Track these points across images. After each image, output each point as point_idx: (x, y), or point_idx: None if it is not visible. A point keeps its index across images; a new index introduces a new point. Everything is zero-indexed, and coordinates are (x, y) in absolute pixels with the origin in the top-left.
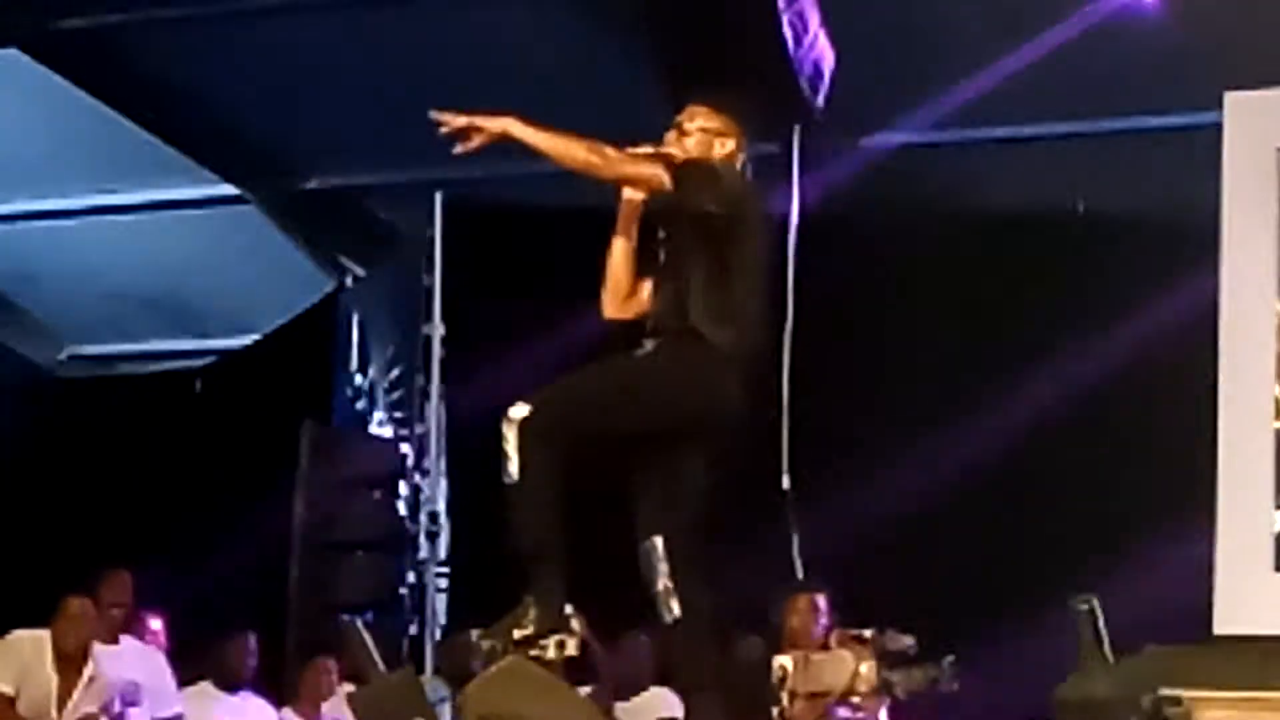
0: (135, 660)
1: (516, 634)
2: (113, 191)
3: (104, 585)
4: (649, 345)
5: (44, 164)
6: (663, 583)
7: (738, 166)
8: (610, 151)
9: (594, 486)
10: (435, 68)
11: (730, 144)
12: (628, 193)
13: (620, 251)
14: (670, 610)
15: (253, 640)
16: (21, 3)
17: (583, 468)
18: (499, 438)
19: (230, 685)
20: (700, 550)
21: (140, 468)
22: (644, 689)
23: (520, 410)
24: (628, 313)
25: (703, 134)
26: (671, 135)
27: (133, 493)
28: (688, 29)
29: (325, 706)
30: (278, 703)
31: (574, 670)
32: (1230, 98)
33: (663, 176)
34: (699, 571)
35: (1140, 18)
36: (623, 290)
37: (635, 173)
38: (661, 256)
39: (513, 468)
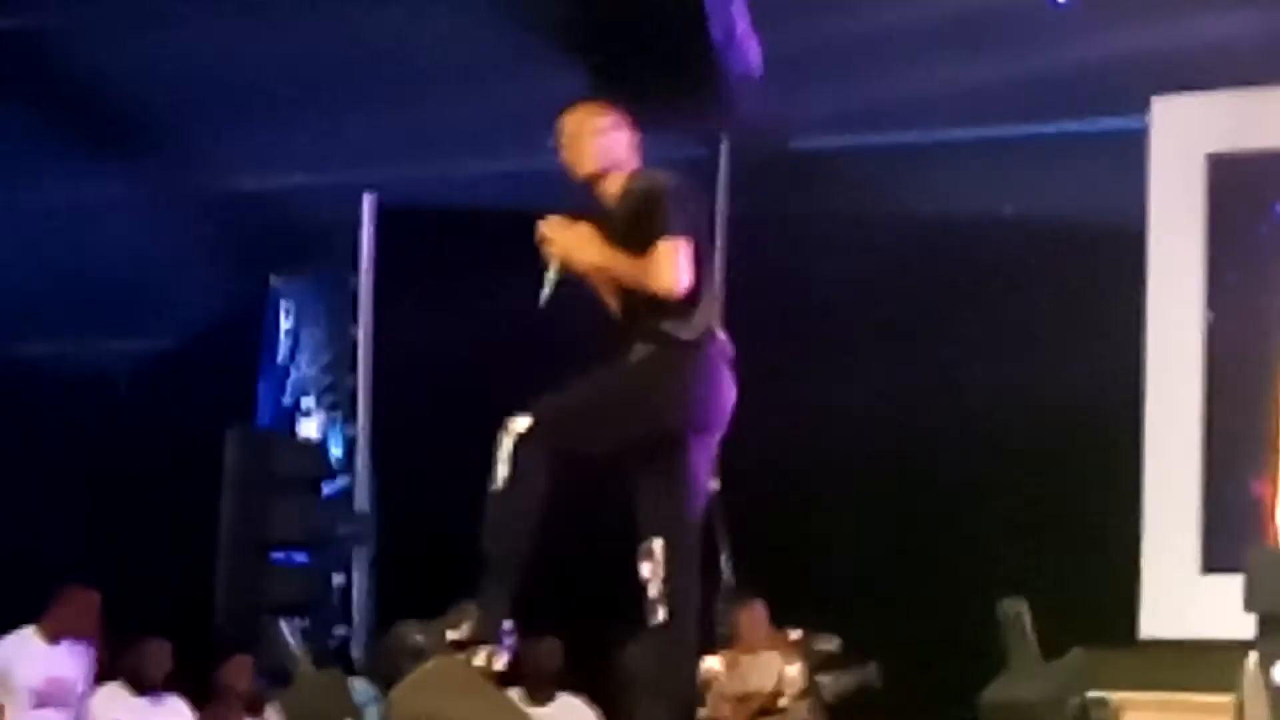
0: None
1: (450, 635)
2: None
3: None
4: (640, 351)
5: None
6: (656, 586)
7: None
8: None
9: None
10: (365, 68)
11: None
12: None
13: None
14: (657, 614)
15: (167, 646)
16: None
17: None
18: (427, 439)
19: (143, 688)
20: (693, 555)
21: (65, 469)
22: (555, 695)
23: (522, 422)
24: None
25: (606, 134)
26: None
27: (58, 494)
28: (616, 30)
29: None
30: (197, 704)
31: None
32: (1158, 102)
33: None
34: (690, 577)
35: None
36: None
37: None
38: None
39: (502, 475)
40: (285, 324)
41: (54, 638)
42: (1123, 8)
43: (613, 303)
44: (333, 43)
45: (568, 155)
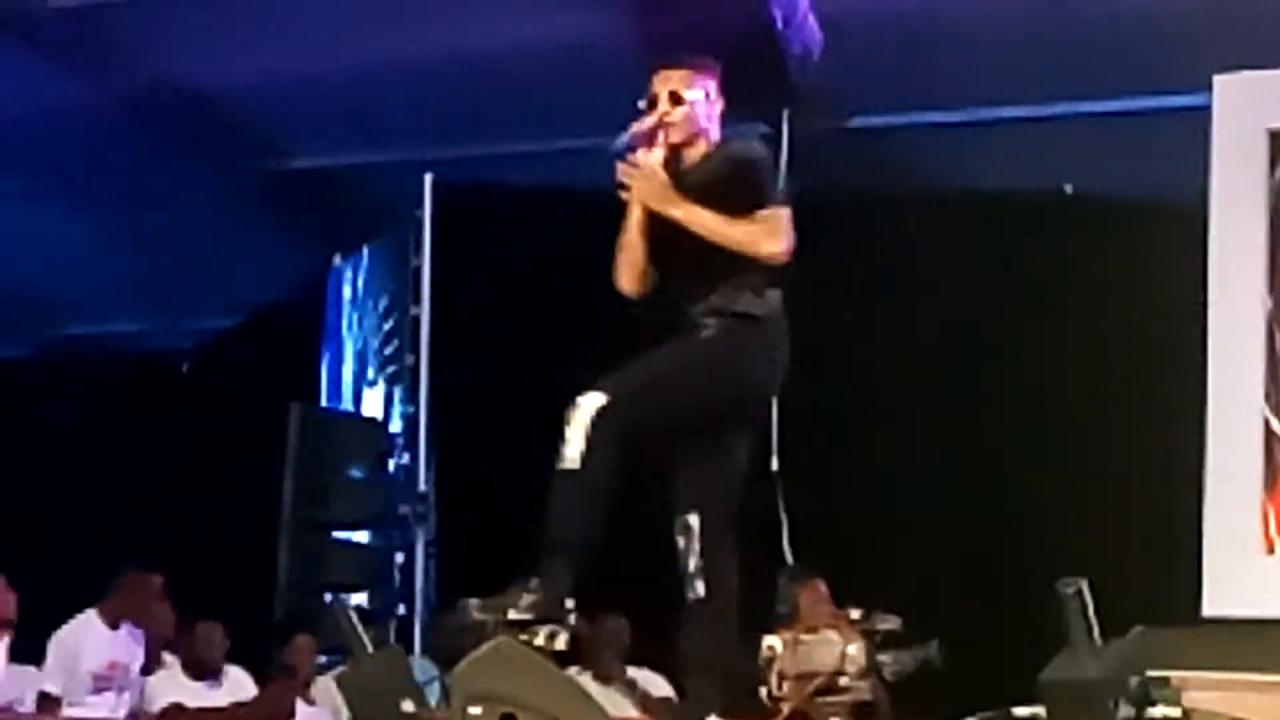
0: None
1: (511, 614)
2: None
3: None
4: (714, 327)
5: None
6: (694, 561)
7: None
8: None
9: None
10: (425, 48)
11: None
12: (639, 169)
13: (639, 228)
14: (695, 589)
15: (218, 628)
16: None
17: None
18: (488, 418)
19: (200, 672)
20: (732, 531)
21: (128, 450)
22: (624, 673)
23: (596, 399)
24: (644, 288)
25: (697, 100)
26: (665, 106)
27: (120, 475)
28: (675, 10)
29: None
30: (260, 682)
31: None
32: (1220, 80)
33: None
34: (729, 552)
35: None
36: (640, 267)
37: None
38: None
39: (573, 454)
40: (347, 300)
41: (114, 622)
42: None
43: (664, 273)
44: (393, 20)
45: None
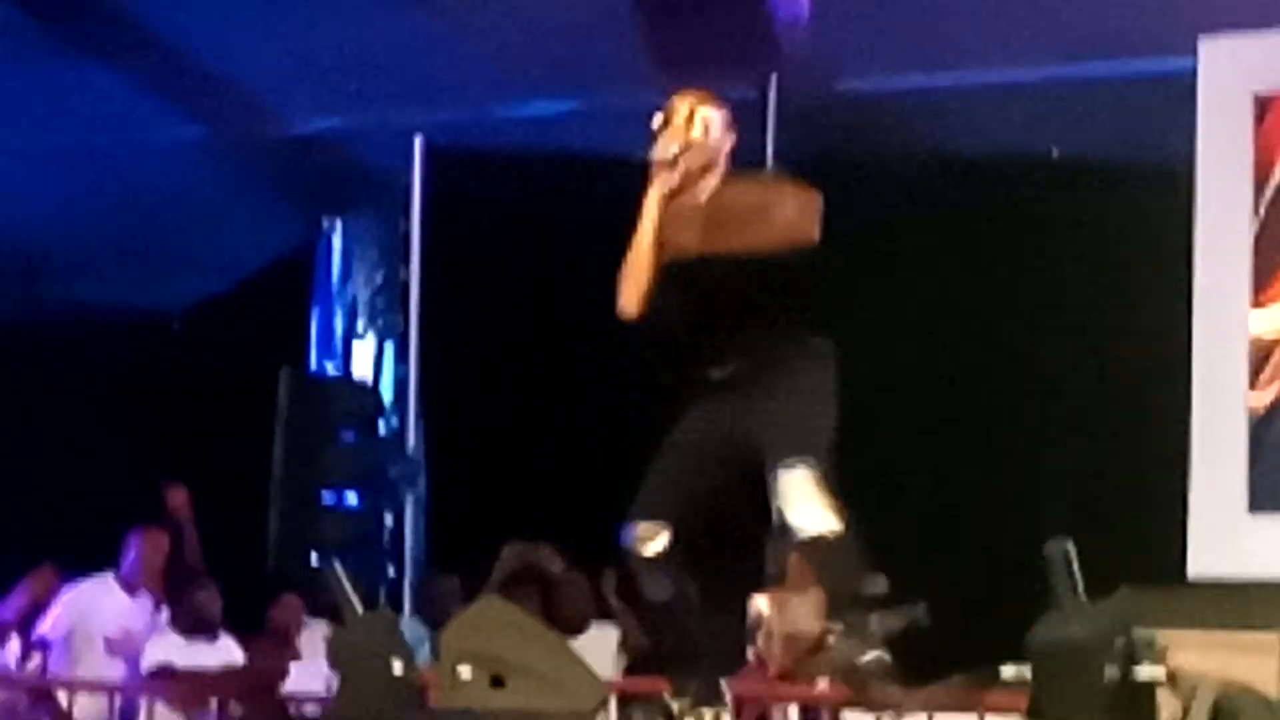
0: None
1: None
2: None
3: None
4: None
5: None
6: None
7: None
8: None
9: None
10: (415, 11)
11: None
12: (658, 193)
13: (651, 250)
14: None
15: (213, 586)
16: None
17: None
18: (477, 381)
19: (196, 631)
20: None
21: (119, 407)
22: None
23: (809, 469)
24: (645, 311)
25: (719, 132)
26: (680, 124)
27: (112, 433)
28: None
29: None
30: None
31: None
32: (1205, 43)
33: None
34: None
35: None
36: (645, 289)
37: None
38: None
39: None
40: (337, 261)
41: (132, 589)
42: None
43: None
44: None
45: (672, 139)
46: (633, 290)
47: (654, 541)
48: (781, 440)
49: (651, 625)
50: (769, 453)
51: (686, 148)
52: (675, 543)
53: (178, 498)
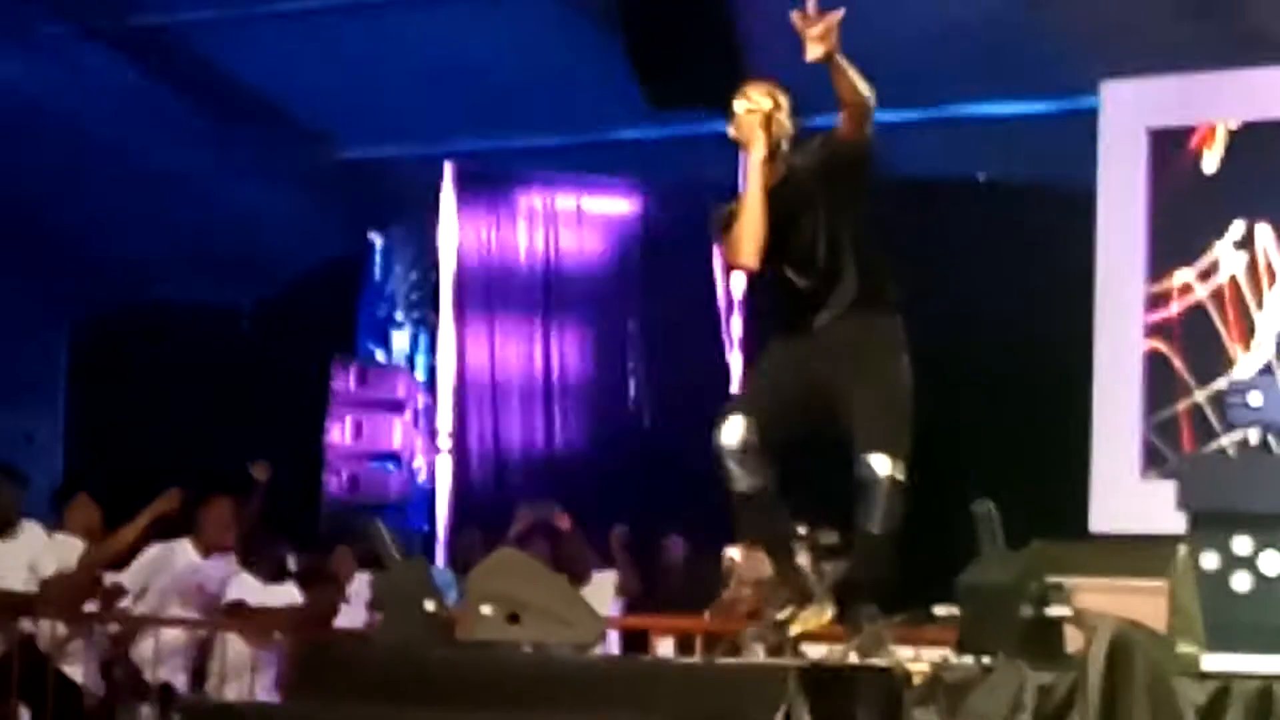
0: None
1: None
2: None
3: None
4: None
5: None
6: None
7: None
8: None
9: None
10: (453, 61)
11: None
12: (758, 155)
13: (761, 205)
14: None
15: (284, 541)
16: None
17: None
18: (499, 365)
19: (267, 578)
20: None
21: (197, 392)
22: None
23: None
24: (761, 262)
25: (787, 117)
26: (760, 113)
27: (191, 414)
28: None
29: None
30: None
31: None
32: (1106, 85)
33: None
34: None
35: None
36: (762, 238)
37: None
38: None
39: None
40: (379, 263)
41: (207, 550)
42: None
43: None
44: (420, 38)
45: (751, 124)
46: (752, 245)
47: (731, 431)
48: (871, 431)
49: (736, 514)
50: (857, 439)
51: (770, 119)
52: (761, 439)
53: (262, 471)
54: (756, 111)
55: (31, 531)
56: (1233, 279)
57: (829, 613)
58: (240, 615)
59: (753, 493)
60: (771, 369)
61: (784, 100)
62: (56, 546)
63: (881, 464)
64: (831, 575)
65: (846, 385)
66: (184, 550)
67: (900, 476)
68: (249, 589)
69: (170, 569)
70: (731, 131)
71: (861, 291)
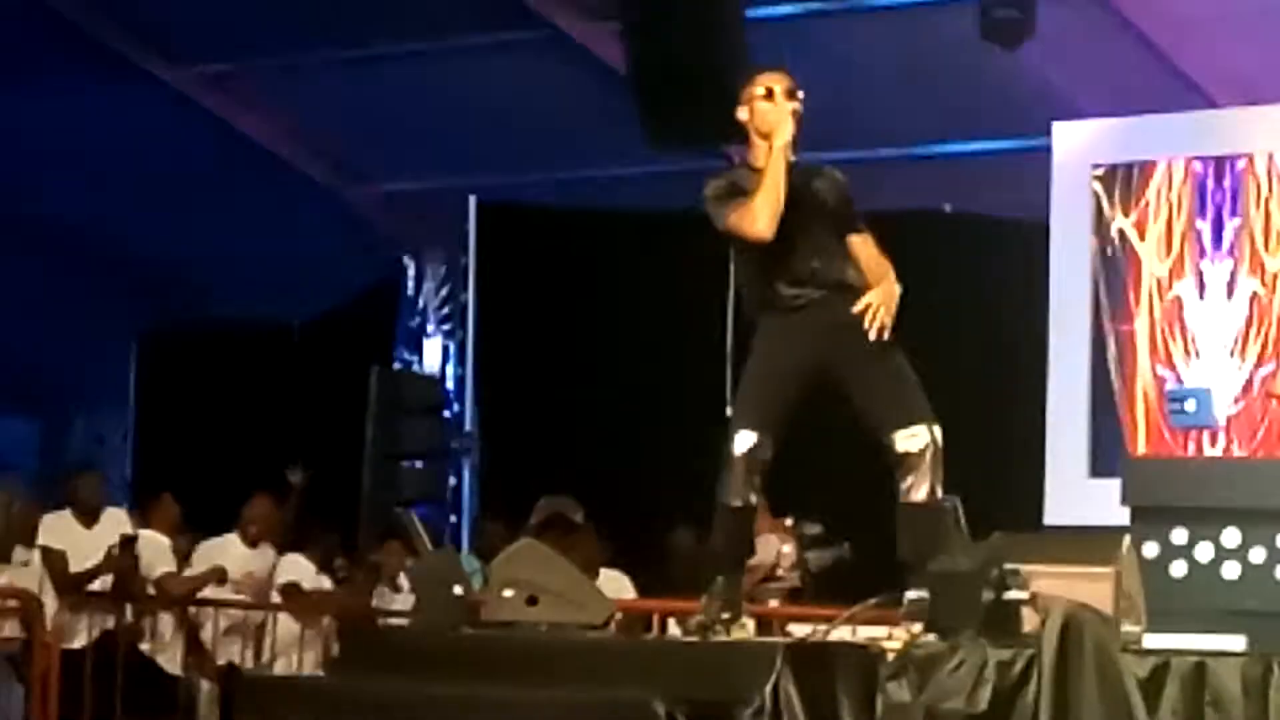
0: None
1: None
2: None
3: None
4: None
5: None
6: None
7: None
8: None
9: None
10: (478, 104)
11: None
12: (784, 140)
13: (782, 182)
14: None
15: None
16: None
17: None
18: (517, 379)
19: (320, 567)
20: None
21: (251, 399)
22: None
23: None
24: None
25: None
26: (772, 100)
27: (245, 419)
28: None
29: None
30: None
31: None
32: (1057, 126)
33: None
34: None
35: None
36: (780, 210)
37: None
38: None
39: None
40: (412, 284)
41: (252, 542)
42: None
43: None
44: (449, 84)
45: (778, 111)
46: (769, 214)
47: (742, 444)
48: (894, 406)
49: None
50: (883, 417)
51: (795, 121)
52: (770, 453)
53: (298, 475)
54: (793, 102)
55: (115, 517)
56: (1178, 297)
57: (750, 628)
58: (292, 596)
59: (743, 508)
60: (773, 372)
61: (800, 95)
62: (143, 542)
63: (923, 434)
64: (815, 563)
65: (857, 365)
66: (233, 543)
67: (940, 442)
68: (302, 571)
69: (224, 560)
70: (746, 115)
71: (847, 274)
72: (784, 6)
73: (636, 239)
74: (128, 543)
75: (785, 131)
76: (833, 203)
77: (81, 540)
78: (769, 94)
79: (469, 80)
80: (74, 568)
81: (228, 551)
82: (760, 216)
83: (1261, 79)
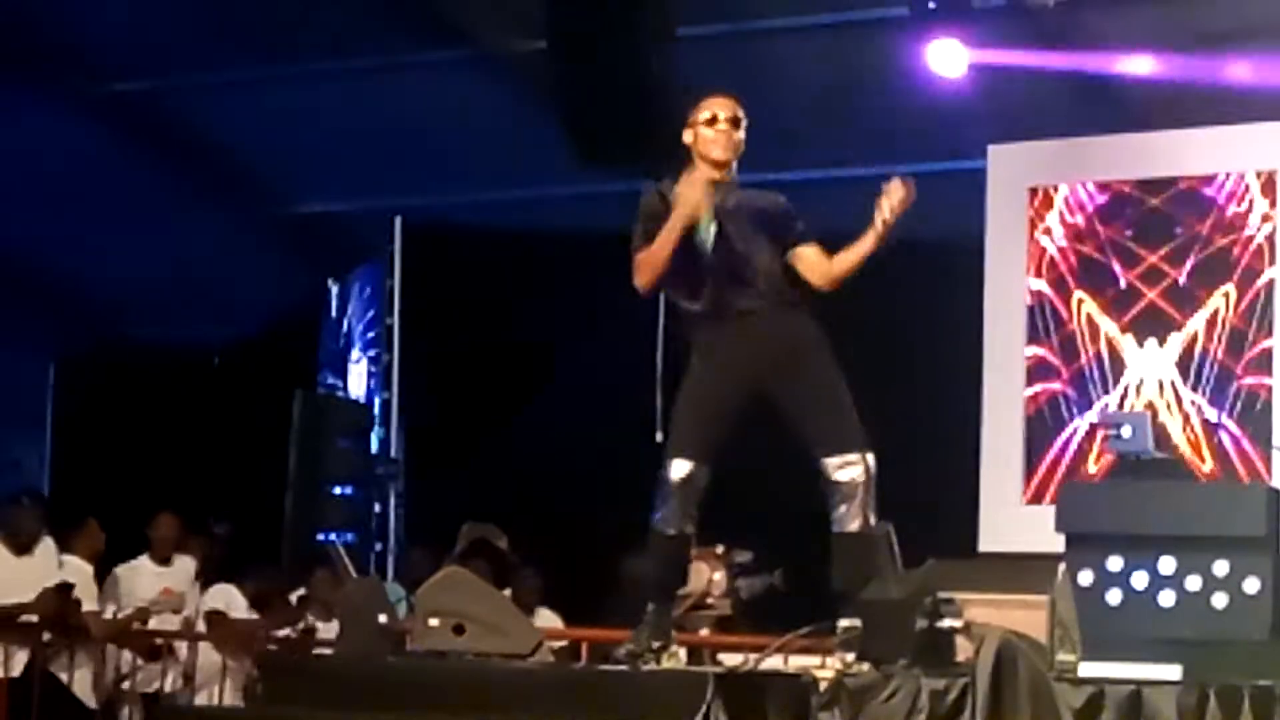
0: None
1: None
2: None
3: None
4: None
5: None
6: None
7: None
8: None
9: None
10: (402, 124)
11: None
12: (687, 211)
13: (672, 249)
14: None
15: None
16: (80, 67)
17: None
18: (443, 402)
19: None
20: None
21: (171, 424)
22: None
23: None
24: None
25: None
26: (723, 128)
27: (165, 445)
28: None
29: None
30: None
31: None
32: (992, 149)
33: None
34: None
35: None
36: (661, 272)
37: None
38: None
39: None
40: (336, 307)
41: (164, 559)
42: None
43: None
44: (372, 103)
45: (726, 135)
46: (649, 278)
47: (677, 472)
48: (831, 432)
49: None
50: (819, 442)
51: (736, 148)
52: (706, 482)
53: (223, 529)
54: (737, 131)
55: (47, 550)
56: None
57: (681, 657)
58: (216, 625)
59: (678, 536)
60: (710, 395)
61: (743, 121)
62: (67, 569)
63: (858, 463)
64: (746, 591)
65: (791, 386)
66: (145, 566)
67: (874, 470)
68: (231, 600)
69: (138, 581)
70: (690, 138)
71: (786, 291)
72: (716, 25)
73: (564, 260)
74: (64, 588)
75: (707, 214)
76: (774, 217)
77: (11, 570)
78: (712, 120)
79: (393, 99)
80: (1, 599)
81: (140, 574)
82: (641, 274)
83: (1192, 102)
